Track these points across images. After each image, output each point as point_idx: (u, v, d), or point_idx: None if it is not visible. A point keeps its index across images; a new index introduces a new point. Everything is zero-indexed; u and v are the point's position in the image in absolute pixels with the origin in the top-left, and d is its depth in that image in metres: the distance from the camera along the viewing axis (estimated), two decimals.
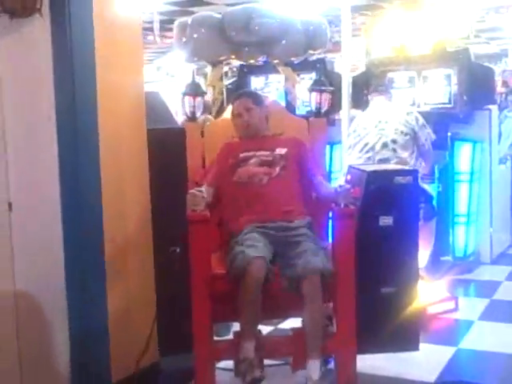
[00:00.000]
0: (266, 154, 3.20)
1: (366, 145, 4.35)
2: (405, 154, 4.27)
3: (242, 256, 2.77)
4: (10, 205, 2.81)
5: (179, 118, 5.01)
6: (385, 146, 4.28)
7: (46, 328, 2.82)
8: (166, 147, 3.41)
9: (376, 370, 3.28)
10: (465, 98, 5.22)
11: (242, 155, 3.21)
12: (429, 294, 4.11)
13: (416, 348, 3.54)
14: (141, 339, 3.15)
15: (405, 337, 3.50)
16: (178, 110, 5.52)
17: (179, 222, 3.09)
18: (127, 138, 3.17)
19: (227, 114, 3.58)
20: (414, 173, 3.73)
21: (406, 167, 4.06)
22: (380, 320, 3.44)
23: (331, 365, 3.15)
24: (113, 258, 2.95)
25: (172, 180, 3.35)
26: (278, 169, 3.16)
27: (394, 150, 4.25)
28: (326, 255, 2.92)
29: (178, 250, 3.40)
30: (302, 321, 2.91)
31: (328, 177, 4.60)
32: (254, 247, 2.81)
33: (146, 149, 3.28)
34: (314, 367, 2.79)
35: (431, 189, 4.61)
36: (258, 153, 3.20)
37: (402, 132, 4.28)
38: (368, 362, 3.23)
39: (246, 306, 2.78)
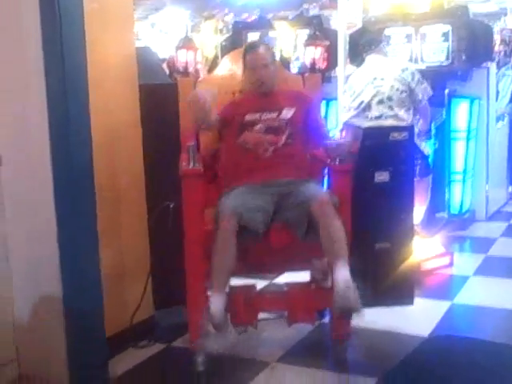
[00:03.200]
0: (273, 119, 3.04)
1: (362, 102, 4.29)
2: (401, 112, 4.22)
3: (219, 207, 2.75)
4: None
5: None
6: (380, 102, 4.23)
7: (39, 284, 2.80)
8: (159, 102, 3.36)
9: (370, 324, 3.27)
10: (463, 55, 5.16)
11: (247, 117, 3.05)
12: (424, 249, 4.12)
13: (410, 302, 3.57)
14: (135, 294, 3.16)
15: (399, 291, 3.53)
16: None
17: (172, 177, 3.07)
18: (119, 94, 3.12)
19: (220, 69, 3.51)
20: (409, 129, 3.71)
21: (403, 123, 4.03)
22: (375, 275, 3.46)
23: (326, 318, 3.17)
24: (105, 214, 2.92)
25: (164, 135, 3.32)
26: (284, 137, 3.01)
27: (391, 107, 4.21)
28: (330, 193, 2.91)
29: (171, 205, 3.39)
30: (322, 238, 2.70)
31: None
32: (235, 198, 2.78)
33: (137, 104, 3.24)
34: (340, 274, 2.61)
35: (428, 146, 4.58)
36: (264, 116, 3.04)
37: (397, 89, 4.23)
38: (363, 316, 3.24)
39: (215, 256, 2.72)
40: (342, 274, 2.60)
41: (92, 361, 2.76)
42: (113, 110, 3.08)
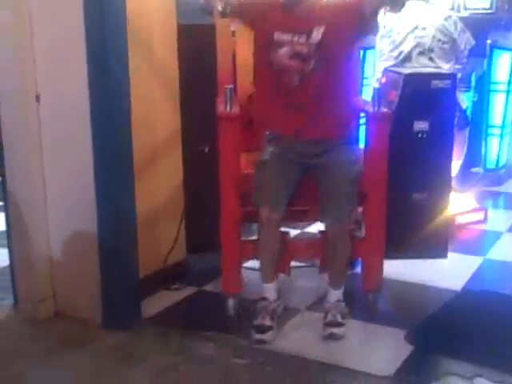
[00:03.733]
0: (301, 43, 2.68)
1: (402, 52, 4.14)
2: (441, 62, 4.08)
3: (258, 199, 2.71)
4: (37, 97, 2.77)
5: None
6: (421, 54, 4.07)
7: (75, 223, 2.82)
8: (197, 43, 3.29)
9: (403, 275, 3.27)
10: (506, 4, 4.97)
11: (276, 35, 2.70)
12: (458, 204, 4.05)
13: (444, 256, 3.54)
14: (169, 236, 3.17)
15: (433, 244, 3.49)
16: None
17: (209, 120, 3.02)
18: (157, 32, 3.05)
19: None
20: (452, 77, 3.60)
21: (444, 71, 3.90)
22: (410, 226, 3.42)
23: (358, 268, 3.15)
24: (141, 157, 2.90)
25: (202, 77, 3.26)
26: (312, 62, 2.67)
27: (431, 59, 4.06)
28: (355, 170, 2.79)
29: (206, 150, 3.36)
30: (328, 260, 2.85)
31: (361, 83, 4.46)
32: (269, 192, 2.70)
33: (175, 44, 3.17)
34: (333, 295, 2.82)
35: (466, 98, 4.45)
36: (293, 38, 2.69)
37: (439, 40, 4.06)
38: (395, 268, 3.22)
39: (262, 249, 2.77)
40: (336, 297, 2.81)
41: (125, 300, 2.80)
42: (151, 48, 3.01)
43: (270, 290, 2.79)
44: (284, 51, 2.68)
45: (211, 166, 3.20)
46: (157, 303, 2.97)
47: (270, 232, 2.71)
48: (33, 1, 2.70)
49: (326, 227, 2.76)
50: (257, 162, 2.79)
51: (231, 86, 2.94)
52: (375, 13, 2.71)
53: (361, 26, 2.69)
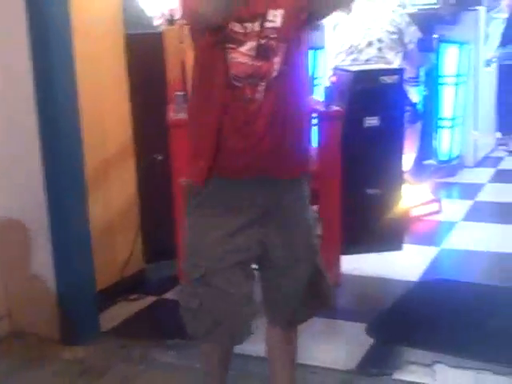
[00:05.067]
0: (258, 31, 1.75)
1: (351, 46, 4.22)
2: (390, 54, 4.15)
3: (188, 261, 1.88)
4: None
5: None
6: (370, 44, 4.15)
7: (28, 241, 2.78)
8: (145, 52, 3.28)
9: (360, 270, 3.31)
10: None
11: (233, 27, 1.74)
12: (413, 196, 4.12)
13: (400, 248, 3.60)
14: (125, 248, 3.15)
15: (389, 237, 3.55)
16: None
17: (161, 129, 3.02)
18: (105, 43, 3.03)
19: None
20: (400, 72, 3.66)
21: (392, 66, 3.97)
22: (365, 221, 3.47)
23: None
24: (93, 168, 2.88)
25: (152, 85, 3.25)
26: (277, 61, 1.76)
27: (380, 49, 4.13)
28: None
29: (159, 158, 3.35)
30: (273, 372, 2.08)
31: (311, 82, 4.50)
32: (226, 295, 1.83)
33: (123, 54, 3.16)
34: None
35: (416, 92, 4.53)
36: (249, 27, 1.74)
37: (388, 31, 4.15)
38: (352, 263, 3.26)
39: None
40: None
41: (82, 315, 2.77)
42: (98, 58, 2.99)
43: None
44: (247, 48, 1.75)
45: (165, 174, 3.21)
46: (116, 315, 2.95)
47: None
48: None
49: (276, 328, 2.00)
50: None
51: (182, 92, 2.94)
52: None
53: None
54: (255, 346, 2.10)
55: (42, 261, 2.73)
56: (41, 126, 2.63)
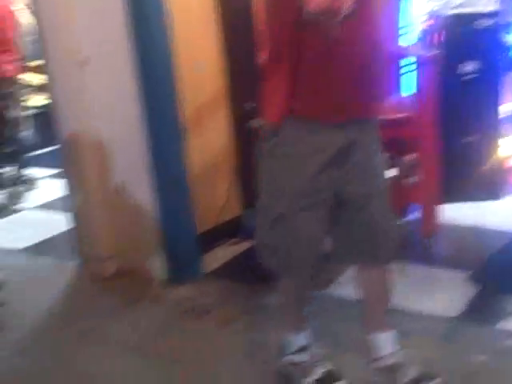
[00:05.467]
0: None
1: None
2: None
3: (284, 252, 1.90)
4: (85, 59, 2.79)
5: None
6: None
7: (132, 187, 2.88)
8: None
9: (458, 219, 3.25)
10: None
11: None
12: (509, 146, 3.98)
13: (497, 197, 3.50)
14: (222, 194, 3.22)
15: (486, 187, 3.46)
16: None
17: (255, 78, 3.00)
18: None
19: None
20: (497, 15, 3.49)
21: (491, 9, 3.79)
22: (462, 170, 3.39)
23: (411, 215, 3.15)
24: (189, 116, 2.92)
25: (243, 33, 3.22)
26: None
27: None
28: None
29: (252, 106, 3.36)
30: (367, 303, 2.07)
31: (403, 28, 4.36)
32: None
33: (214, 2, 3.15)
34: (387, 341, 2.03)
35: None
36: None
37: None
38: (450, 212, 3.21)
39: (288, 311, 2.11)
40: (391, 339, 2.04)
41: (186, 255, 2.87)
42: (190, 7, 3.00)
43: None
44: None
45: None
46: (216, 258, 3.03)
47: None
48: None
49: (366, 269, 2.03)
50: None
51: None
52: None
53: None
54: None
55: (146, 204, 2.83)
56: (138, 73, 2.69)
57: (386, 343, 2.02)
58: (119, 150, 2.85)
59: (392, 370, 2.00)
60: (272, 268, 1.95)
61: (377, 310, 2.05)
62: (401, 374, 1.98)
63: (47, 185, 4.70)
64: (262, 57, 2.92)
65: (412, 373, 1.97)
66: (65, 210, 3.85)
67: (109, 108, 2.82)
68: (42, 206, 4.26)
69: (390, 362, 2.00)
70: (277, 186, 1.87)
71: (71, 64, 2.79)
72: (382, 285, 2.03)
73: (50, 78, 2.90)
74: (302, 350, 2.08)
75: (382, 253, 1.96)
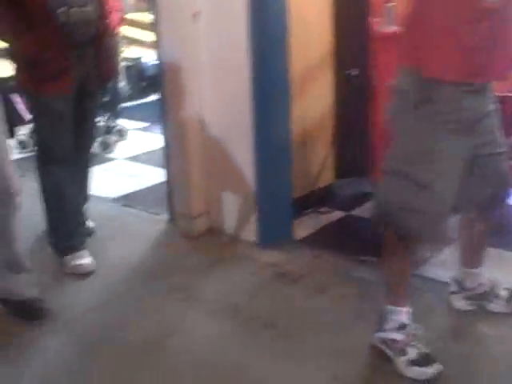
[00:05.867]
0: None
1: None
2: None
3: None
4: (196, 15, 2.76)
5: None
6: None
7: (231, 144, 2.84)
8: None
9: None
10: None
11: None
12: None
13: None
14: (317, 160, 3.15)
15: None
16: None
17: (360, 43, 2.91)
18: None
19: None
20: None
21: None
22: None
23: None
24: (294, 77, 2.85)
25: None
26: None
27: None
28: None
29: (354, 73, 3.26)
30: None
31: None
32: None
33: None
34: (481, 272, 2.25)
35: None
36: None
37: None
38: None
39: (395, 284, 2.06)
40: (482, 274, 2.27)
41: (279, 219, 2.83)
42: None
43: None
44: None
45: (360, 90, 3.11)
46: (306, 225, 2.99)
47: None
48: None
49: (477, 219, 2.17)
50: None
51: (393, 3, 2.80)
52: None
53: None
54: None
55: (243, 164, 2.80)
56: (250, 28, 2.62)
57: (480, 274, 2.24)
58: (223, 105, 2.82)
59: (484, 297, 2.24)
60: (410, 230, 1.94)
61: (477, 252, 2.23)
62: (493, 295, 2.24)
63: (136, 137, 4.75)
64: (375, 23, 2.80)
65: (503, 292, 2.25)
66: (154, 163, 3.91)
67: (217, 60, 2.78)
68: (132, 157, 4.32)
69: (482, 290, 2.24)
70: (425, 150, 1.88)
71: (183, 18, 2.76)
72: (485, 233, 2.19)
73: (161, 32, 2.88)
74: (401, 327, 2.02)
75: (498, 205, 2.12)
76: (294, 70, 2.83)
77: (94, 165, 3.03)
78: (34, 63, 2.44)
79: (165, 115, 2.99)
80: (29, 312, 2.35)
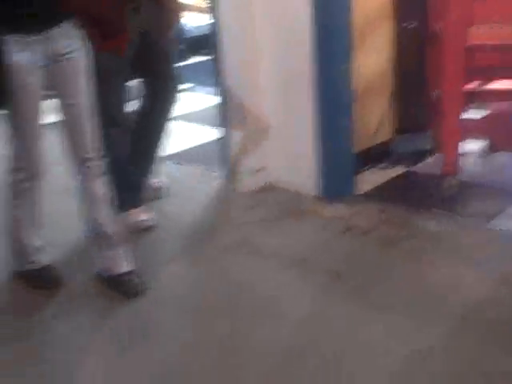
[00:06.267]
0: None
1: None
2: None
3: None
4: None
5: None
6: None
7: (291, 98, 2.80)
8: None
9: None
10: None
11: None
12: None
13: None
14: (376, 115, 3.09)
15: None
16: None
17: None
18: None
19: None
20: None
21: None
22: None
23: None
24: (353, 27, 2.78)
25: None
26: None
27: None
28: None
29: (412, 26, 3.18)
30: None
31: None
32: None
33: None
34: None
35: None
36: None
37: None
38: None
39: None
40: None
41: (341, 173, 2.80)
42: None
43: None
44: None
45: (419, 44, 3.04)
46: (367, 180, 2.95)
47: None
48: None
49: None
50: None
51: None
52: None
53: None
54: None
55: (304, 118, 2.75)
56: None
57: None
58: (283, 60, 2.77)
59: None
60: None
61: None
62: None
63: (182, 97, 4.70)
64: None
65: None
66: (204, 122, 3.88)
67: (276, 17, 2.73)
68: (181, 116, 4.27)
69: None
70: None
71: None
72: None
73: None
74: None
75: None
76: (355, 21, 2.76)
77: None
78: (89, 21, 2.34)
79: (220, 72, 2.94)
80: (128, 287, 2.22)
